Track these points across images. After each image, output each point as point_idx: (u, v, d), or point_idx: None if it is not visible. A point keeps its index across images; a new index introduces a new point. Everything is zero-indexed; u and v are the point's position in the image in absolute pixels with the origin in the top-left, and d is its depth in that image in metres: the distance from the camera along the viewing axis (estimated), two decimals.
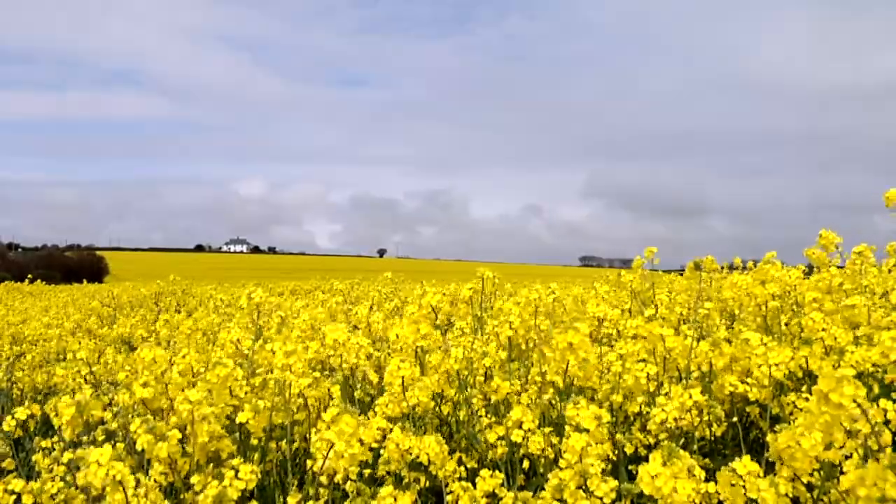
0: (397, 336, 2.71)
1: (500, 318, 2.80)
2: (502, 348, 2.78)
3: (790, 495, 1.67)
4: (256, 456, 2.29)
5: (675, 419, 2.19)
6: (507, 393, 2.52)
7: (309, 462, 2.06)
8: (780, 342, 2.57)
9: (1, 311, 8.14)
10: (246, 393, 2.39)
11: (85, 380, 3.82)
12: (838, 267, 3.38)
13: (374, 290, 6.77)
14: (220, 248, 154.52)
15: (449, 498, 2.10)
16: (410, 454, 2.13)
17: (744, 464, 1.67)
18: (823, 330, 2.58)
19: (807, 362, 2.36)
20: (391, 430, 2.18)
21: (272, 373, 2.36)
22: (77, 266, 54.32)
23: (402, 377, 2.40)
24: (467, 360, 2.70)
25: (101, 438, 2.65)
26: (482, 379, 2.76)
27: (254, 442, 2.34)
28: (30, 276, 15.52)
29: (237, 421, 2.25)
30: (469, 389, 2.72)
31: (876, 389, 2.30)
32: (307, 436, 2.43)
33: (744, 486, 1.66)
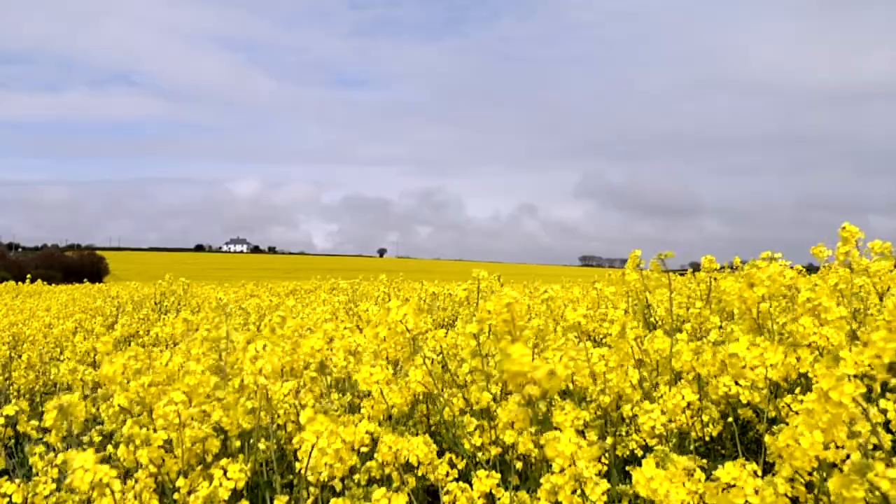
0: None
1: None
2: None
3: (789, 495, 1.67)
4: (242, 456, 2.29)
5: (670, 420, 2.18)
6: (488, 401, 2.46)
7: (298, 465, 2.06)
8: (773, 343, 2.55)
9: (1, 311, 8.13)
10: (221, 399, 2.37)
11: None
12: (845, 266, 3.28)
13: (376, 290, 6.81)
14: (221, 248, 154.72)
15: (446, 498, 2.10)
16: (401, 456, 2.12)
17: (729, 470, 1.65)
18: (815, 333, 2.55)
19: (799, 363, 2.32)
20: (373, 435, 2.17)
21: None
22: (77, 266, 54.46)
23: (378, 381, 2.36)
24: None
25: (97, 440, 2.66)
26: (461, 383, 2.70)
27: (236, 444, 2.34)
28: (29, 275, 15.43)
29: (212, 419, 2.25)
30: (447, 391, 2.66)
31: (877, 389, 2.29)
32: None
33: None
